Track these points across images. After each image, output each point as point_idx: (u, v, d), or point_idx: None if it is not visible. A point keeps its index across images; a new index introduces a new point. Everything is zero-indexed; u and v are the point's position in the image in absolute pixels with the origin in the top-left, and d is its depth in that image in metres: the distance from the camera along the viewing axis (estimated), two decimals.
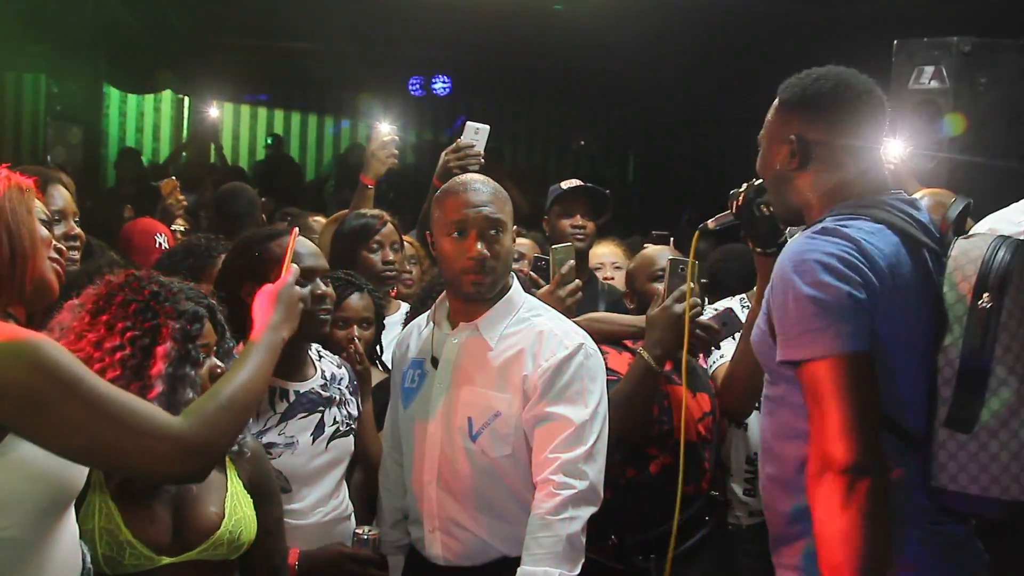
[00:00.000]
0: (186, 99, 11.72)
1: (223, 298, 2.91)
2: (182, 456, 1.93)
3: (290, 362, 2.90)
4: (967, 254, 2.23)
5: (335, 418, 2.96)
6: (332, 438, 2.94)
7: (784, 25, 7.23)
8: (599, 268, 4.52)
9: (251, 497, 2.50)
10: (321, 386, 2.97)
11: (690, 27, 7.90)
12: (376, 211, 4.05)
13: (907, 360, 2.20)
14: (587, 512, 2.73)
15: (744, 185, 2.82)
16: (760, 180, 2.63)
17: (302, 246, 2.90)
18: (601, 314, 3.58)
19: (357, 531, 2.91)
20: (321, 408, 2.93)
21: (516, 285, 2.96)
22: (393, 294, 4.03)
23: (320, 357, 3.04)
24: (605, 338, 3.22)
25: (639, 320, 3.31)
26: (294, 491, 2.85)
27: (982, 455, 2.14)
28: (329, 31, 9.25)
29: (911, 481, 2.20)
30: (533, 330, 2.85)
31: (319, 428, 2.91)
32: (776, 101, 2.45)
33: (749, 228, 2.91)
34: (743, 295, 3.76)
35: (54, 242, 2.19)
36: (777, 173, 2.42)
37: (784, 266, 2.21)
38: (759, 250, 2.91)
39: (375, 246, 3.87)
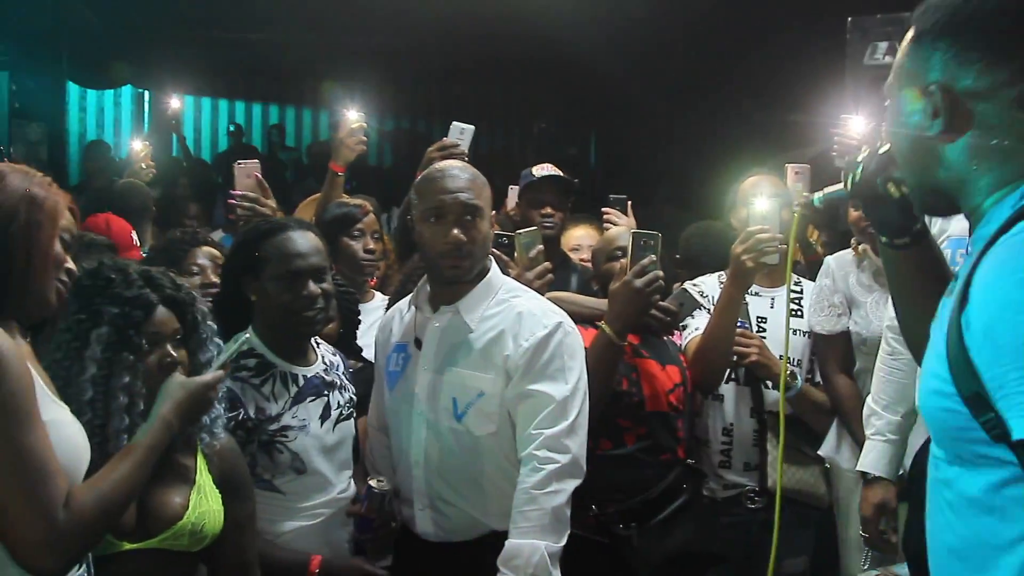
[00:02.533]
0: (146, 93, 11.68)
1: (227, 292, 3.02)
2: (46, 549, 1.96)
3: (294, 349, 2.98)
4: None
5: (339, 402, 3.02)
6: (337, 421, 3.00)
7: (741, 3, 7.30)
8: (576, 249, 4.60)
9: (221, 492, 2.53)
10: (323, 371, 3.03)
11: (644, 4, 7.97)
12: (359, 200, 4.11)
13: None
14: (571, 485, 2.81)
15: (864, 151, 1.99)
16: (886, 147, 1.87)
17: (300, 243, 2.94)
18: (565, 294, 3.65)
19: (370, 482, 2.94)
20: (326, 392, 2.99)
21: (495, 268, 3.03)
22: (372, 283, 4.10)
23: (318, 344, 3.11)
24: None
25: (603, 303, 3.36)
26: (307, 472, 2.91)
27: None
28: (288, 20, 9.25)
29: None
30: (512, 311, 2.92)
31: (326, 411, 2.97)
32: (911, 32, 1.67)
33: (868, 211, 2.05)
34: (721, 272, 3.83)
35: (67, 264, 2.19)
36: (912, 138, 1.66)
37: (1013, 289, 1.41)
38: (884, 240, 1.98)
39: (357, 234, 3.91)
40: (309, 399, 2.95)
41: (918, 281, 1.94)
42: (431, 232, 2.92)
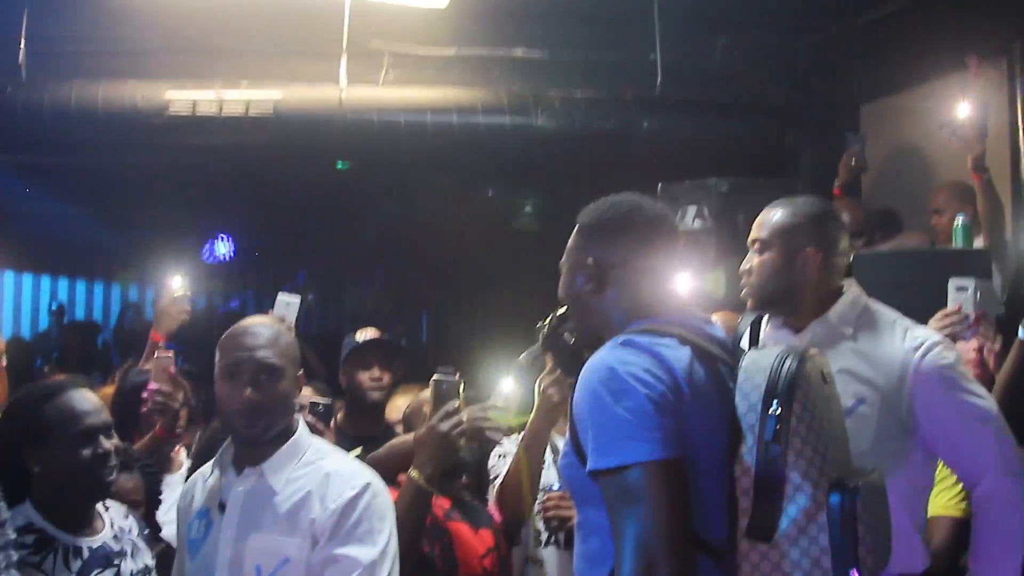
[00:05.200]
0: None
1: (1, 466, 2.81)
2: None
3: (79, 518, 2.84)
4: (756, 364, 2.26)
5: (132, 570, 2.87)
6: None
7: (559, 175, 7.48)
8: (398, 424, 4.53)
9: None
10: (113, 538, 2.89)
11: (479, 182, 8.14)
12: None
13: (709, 473, 2.20)
14: None
15: (549, 316, 2.90)
16: (564, 308, 2.67)
17: (84, 402, 2.86)
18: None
19: None
20: (116, 562, 2.84)
21: (302, 428, 2.96)
22: (178, 451, 3.95)
23: (107, 508, 2.96)
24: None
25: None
26: None
27: (784, 563, 2.14)
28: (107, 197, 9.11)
29: None
30: (320, 472, 2.84)
31: None
32: (577, 226, 2.51)
33: (556, 357, 3.08)
34: None
35: None
36: (576, 296, 2.46)
37: (589, 380, 2.21)
38: (570, 381, 2.94)
39: None
40: (96, 572, 2.79)
41: None
42: (226, 390, 2.85)
